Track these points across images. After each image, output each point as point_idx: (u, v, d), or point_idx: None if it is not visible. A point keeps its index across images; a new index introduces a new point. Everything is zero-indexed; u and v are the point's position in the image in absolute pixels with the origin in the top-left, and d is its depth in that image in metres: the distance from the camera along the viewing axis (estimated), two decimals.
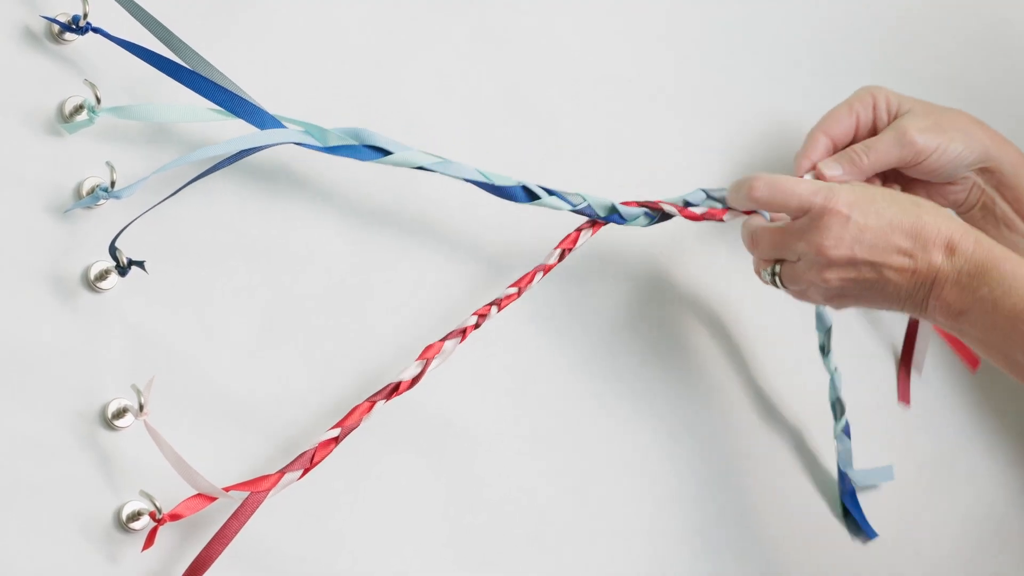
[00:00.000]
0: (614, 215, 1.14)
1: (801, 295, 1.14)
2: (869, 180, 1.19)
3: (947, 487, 1.32)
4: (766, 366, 1.27)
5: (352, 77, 1.14)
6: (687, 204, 1.16)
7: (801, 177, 1.17)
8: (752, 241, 1.15)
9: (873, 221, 1.09)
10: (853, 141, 1.20)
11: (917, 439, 1.32)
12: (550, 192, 1.13)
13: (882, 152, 1.17)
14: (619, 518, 1.20)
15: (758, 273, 1.16)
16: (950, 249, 1.08)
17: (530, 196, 1.12)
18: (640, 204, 1.15)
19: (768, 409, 1.26)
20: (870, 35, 1.31)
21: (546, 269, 1.14)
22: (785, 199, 1.12)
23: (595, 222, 1.14)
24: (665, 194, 1.23)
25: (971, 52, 1.34)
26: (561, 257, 1.14)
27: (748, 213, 1.16)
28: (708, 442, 1.24)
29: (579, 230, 1.14)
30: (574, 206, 1.13)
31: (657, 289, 1.23)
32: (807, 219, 1.10)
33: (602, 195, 1.14)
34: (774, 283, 1.14)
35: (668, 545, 1.22)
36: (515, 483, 1.17)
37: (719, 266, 1.24)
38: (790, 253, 1.12)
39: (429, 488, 1.14)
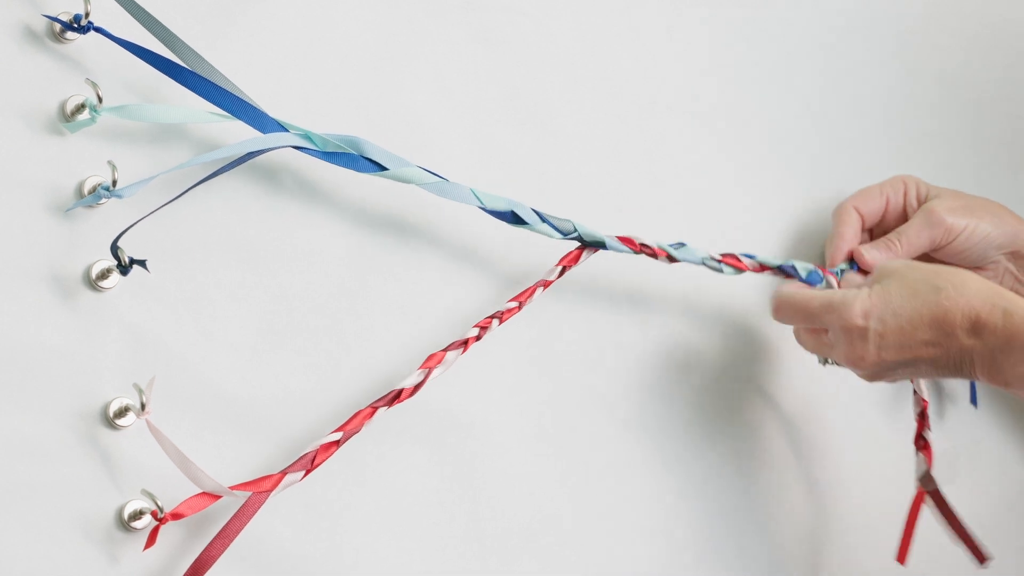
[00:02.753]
0: (603, 247, 1.16)
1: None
2: None
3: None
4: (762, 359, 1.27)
5: (352, 79, 1.14)
6: (671, 259, 1.17)
7: (839, 249, 1.22)
8: (797, 339, 1.18)
9: (892, 324, 1.10)
10: (882, 223, 1.23)
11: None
12: (542, 219, 1.13)
13: (913, 235, 1.21)
14: (619, 518, 1.20)
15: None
16: (977, 329, 1.08)
17: (520, 221, 1.13)
18: (628, 243, 1.16)
19: (758, 404, 1.26)
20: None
21: (546, 284, 1.15)
22: (805, 317, 1.14)
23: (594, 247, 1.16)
24: (664, 197, 1.23)
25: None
26: (562, 273, 1.15)
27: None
28: (710, 442, 1.24)
29: (581, 249, 1.15)
30: (564, 235, 1.14)
31: (657, 289, 1.23)
32: (832, 334, 1.13)
33: (592, 227, 1.15)
34: (831, 364, 1.19)
35: (668, 544, 1.22)
36: (517, 482, 1.17)
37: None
38: (833, 356, 1.15)
39: (431, 486, 1.14)
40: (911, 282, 1.11)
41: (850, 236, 1.22)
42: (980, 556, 1.25)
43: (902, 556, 1.26)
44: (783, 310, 1.16)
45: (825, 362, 1.19)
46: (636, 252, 1.16)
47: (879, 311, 1.10)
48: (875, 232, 1.25)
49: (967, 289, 1.09)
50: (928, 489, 1.25)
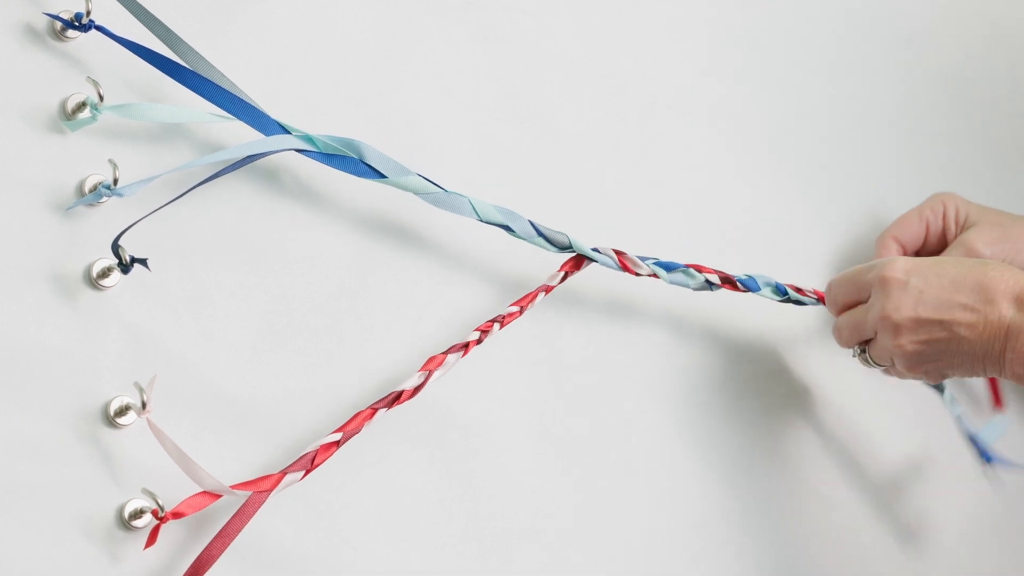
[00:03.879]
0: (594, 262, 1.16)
1: (891, 372, 1.17)
2: None
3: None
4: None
5: (351, 77, 1.14)
6: (654, 274, 1.17)
7: None
8: (836, 333, 1.18)
9: (934, 282, 1.11)
10: (925, 246, 1.24)
11: None
12: (538, 232, 1.14)
13: None
14: (619, 517, 1.20)
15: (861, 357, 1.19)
16: (1020, 301, 1.09)
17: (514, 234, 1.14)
18: (621, 262, 1.16)
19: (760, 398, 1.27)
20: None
21: (548, 289, 1.15)
22: (849, 281, 1.15)
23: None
24: (663, 197, 1.24)
25: None
26: (564, 278, 1.16)
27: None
28: (710, 441, 1.24)
29: (583, 257, 1.16)
30: (559, 249, 1.15)
31: (657, 290, 1.23)
32: (872, 295, 1.13)
33: (585, 242, 1.16)
34: (867, 363, 1.17)
35: (668, 544, 1.22)
36: (517, 482, 1.17)
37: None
38: (867, 331, 1.15)
39: (431, 486, 1.14)
40: (955, 258, 1.13)
41: None
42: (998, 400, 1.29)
43: (998, 402, 1.31)
44: (832, 288, 1.17)
45: (860, 352, 1.18)
46: (622, 270, 1.17)
47: (922, 270, 1.11)
48: (921, 254, 1.25)
49: (1011, 269, 1.11)
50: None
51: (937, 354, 1.12)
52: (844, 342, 1.17)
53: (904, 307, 1.11)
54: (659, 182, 1.24)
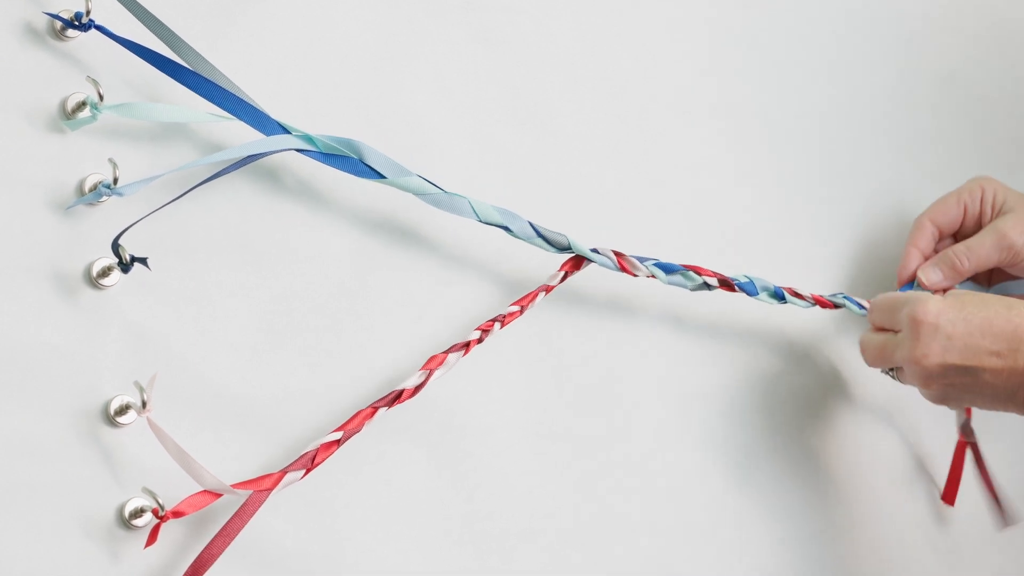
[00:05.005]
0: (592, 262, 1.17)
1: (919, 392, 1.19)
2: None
3: None
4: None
5: (352, 78, 1.14)
6: (652, 275, 1.18)
7: (907, 264, 1.24)
8: (862, 349, 1.19)
9: (962, 328, 1.12)
10: (962, 229, 1.25)
11: None
12: (537, 233, 1.14)
13: (983, 256, 1.23)
14: (618, 517, 1.20)
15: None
16: None
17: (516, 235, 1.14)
18: (618, 257, 1.16)
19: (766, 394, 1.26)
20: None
21: (548, 289, 1.15)
22: (888, 307, 1.17)
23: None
24: (664, 197, 1.24)
25: None
26: (564, 278, 1.16)
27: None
28: (710, 441, 1.24)
29: (583, 257, 1.16)
30: (558, 250, 1.15)
31: (657, 290, 1.23)
32: (903, 331, 1.14)
33: (584, 244, 1.16)
34: (892, 379, 1.20)
35: (668, 544, 1.22)
36: (517, 482, 1.17)
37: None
38: (894, 362, 1.16)
39: (431, 485, 1.14)
40: (981, 298, 1.14)
41: (920, 248, 1.25)
42: (1004, 517, 1.27)
43: (950, 498, 1.30)
44: (873, 309, 1.18)
45: (888, 371, 1.20)
46: (621, 271, 1.17)
47: (952, 314, 1.12)
48: (958, 237, 1.27)
49: None
50: (969, 440, 1.29)
51: (962, 394, 1.14)
52: (868, 361, 1.19)
53: (932, 354, 1.12)
54: (659, 182, 1.24)
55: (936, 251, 1.25)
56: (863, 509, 1.29)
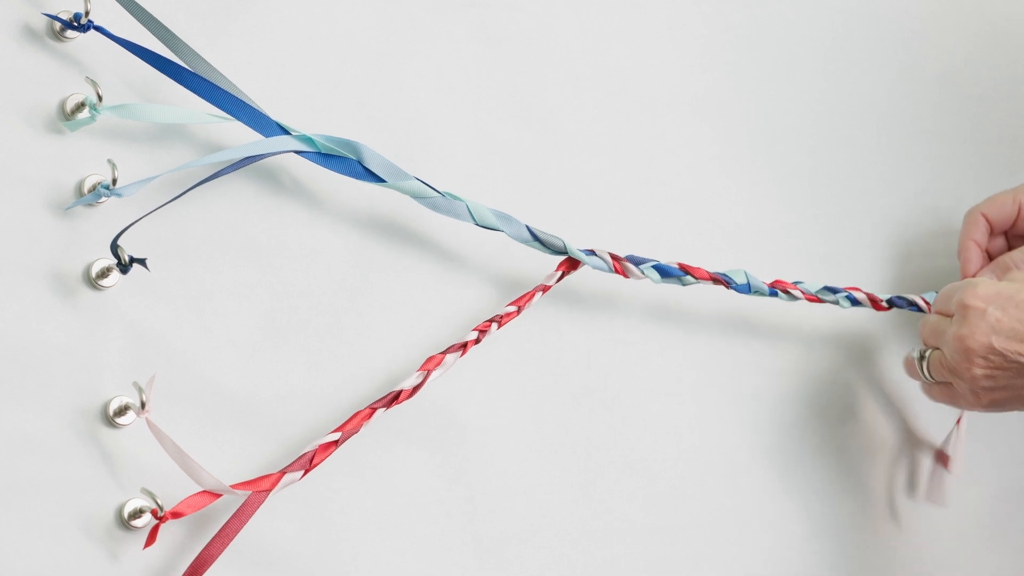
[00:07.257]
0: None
1: (931, 391, 1.20)
2: None
3: None
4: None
5: (353, 76, 1.14)
6: (646, 276, 1.18)
7: (968, 256, 1.25)
8: (922, 325, 1.20)
9: (1012, 312, 1.13)
10: (1015, 227, 1.26)
11: None
12: (534, 236, 1.14)
13: None
14: (617, 517, 1.20)
15: (911, 367, 1.21)
16: None
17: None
18: (614, 260, 1.16)
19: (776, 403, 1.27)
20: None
21: (545, 289, 1.15)
22: (945, 301, 1.18)
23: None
24: (664, 195, 1.23)
25: None
26: (561, 278, 1.16)
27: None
28: (710, 440, 1.24)
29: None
30: (553, 253, 1.15)
31: (656, 290, 1.23)
32: (954, 315, 1.16)
33: (575, 245, 1.16)
34: (919, 367, 1.20)
35: (668, 544, 1.22)
36: (516, 482, 1.17)
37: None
38: (941, 342, 1.17)
39: (429, 486, 1.14)
40: None
41: (978, 241, 1.25)
42: (935, 494, 1.30)
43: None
44: (938, 297, 1.20)
45: (920, 357, 1.20)
46: (614, 272, 1.17)
47: (1002, 300, 1.13)
48: (1009, 235, 1.27)
49: None
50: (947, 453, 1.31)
51: (1007, 384, 1.14)
52: (923, 338, 1.20)
53: (979, 333, 1.13)
54: (661, 180, 1.24)
55: (988, 251, 1.26)
56: (863, 509, 1.29)
